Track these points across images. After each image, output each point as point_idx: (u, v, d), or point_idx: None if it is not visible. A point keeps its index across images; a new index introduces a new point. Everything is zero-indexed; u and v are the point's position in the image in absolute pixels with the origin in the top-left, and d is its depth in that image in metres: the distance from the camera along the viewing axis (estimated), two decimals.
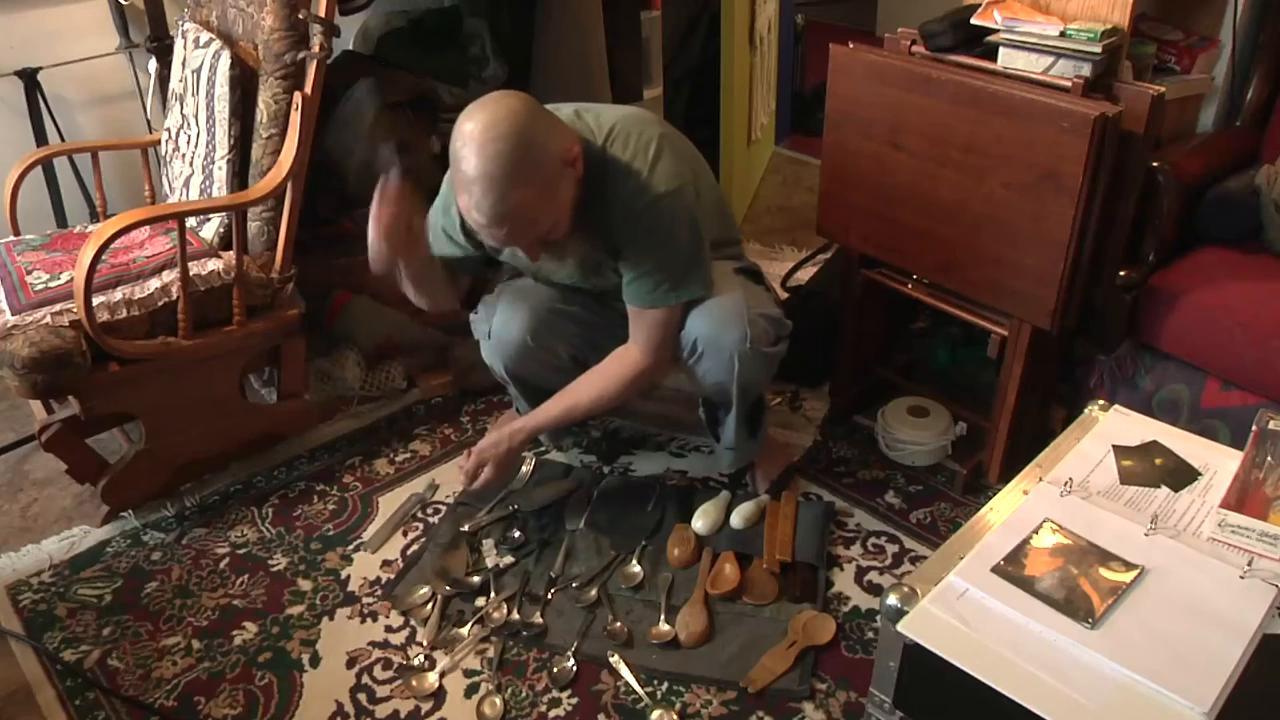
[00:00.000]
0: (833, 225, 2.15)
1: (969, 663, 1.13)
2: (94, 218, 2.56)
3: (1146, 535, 1.30)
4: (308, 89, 2.01)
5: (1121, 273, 1.89)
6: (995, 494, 1.42)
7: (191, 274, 1.97)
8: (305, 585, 1.92)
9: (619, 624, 1.78)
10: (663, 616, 1.78)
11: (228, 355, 2.10)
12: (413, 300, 1.88)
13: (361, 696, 1.68)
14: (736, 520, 1.98)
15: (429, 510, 2.10)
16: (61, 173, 2.59)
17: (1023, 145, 1.71)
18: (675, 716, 1.62)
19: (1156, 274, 1.93)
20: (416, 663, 1.73)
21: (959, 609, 1.20)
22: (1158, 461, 1.45)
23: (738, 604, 1.82)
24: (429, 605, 1.84)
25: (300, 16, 2.00)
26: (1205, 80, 2.17)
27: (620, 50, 2.98)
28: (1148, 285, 1.91)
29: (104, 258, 1.90)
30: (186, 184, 2.24)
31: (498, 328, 1.91)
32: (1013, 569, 1.24)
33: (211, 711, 1.66)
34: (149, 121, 2.69)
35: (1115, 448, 1.48)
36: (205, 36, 2.16)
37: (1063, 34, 1.71)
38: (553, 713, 1.64)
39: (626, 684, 1.68)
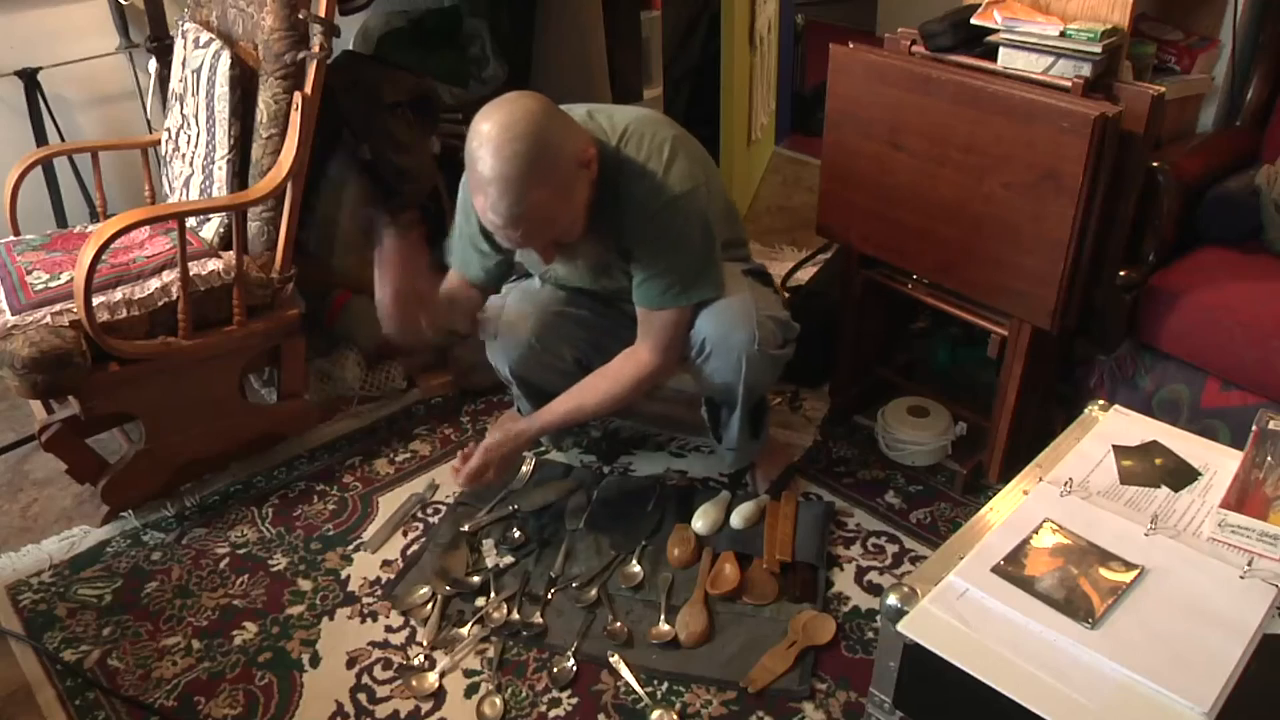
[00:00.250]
0: (833, 225, 2.15)
1: (969, 663, 1.13)
2: (94, 218, 2.56)
3: (1146, 535, 1.30)
4: (308, 89, 2.01)
5: (1121, 273, 1.89)
6: (995, 494, 1.42)
7: (191, 274, 1.97)
8: (305, 585, 1.92)
9: (619, 624, 1.78)
10: (663, 616, 1.78)
11: (228, 355, 2.10)
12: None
13: (361, 696, 1.68)
14: (736, 520, 1.98)
15: (429, 510, 2.10)
16: (61, 173, 2.58)
17: (1023, 145, 1.71)
18: (675, 716, 1.62)
19: (1156, 274, 1.93)
20: (416, 663, 1.73)
21: (959, 609, 1.20)
22: (1158, 461, 1.45)
23: (738, 604, 1.82)
24: (429, 605, 1.84)
25: (300, 16, 2.01)
26: (1205, 80, 2.17)
27: (620, 50, 2.98)
28: (1148, 285, 1.91)
29: (104, 258, 1.90)
30: (186, 184, 2.24)
31: (504, 329, 1.92)
32: (1013, 569, 1.24)
33: (211, 711, 1.66)
34: (149, 121, 2.69)
35: (1115, 448, 1.48)
36: (205, 36, 2.16)
37: (1063, 34, 1.71)
38: (553, 713, 1.64)
39: (626, 684, 1.68)
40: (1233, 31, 2.12)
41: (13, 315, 1.91)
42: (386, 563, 1.97)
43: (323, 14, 1.99)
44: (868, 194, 2.02)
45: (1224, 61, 2.16)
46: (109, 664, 1.76)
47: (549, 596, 1.84)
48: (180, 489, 2.17)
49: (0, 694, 1.71)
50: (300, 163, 2.03)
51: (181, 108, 2.25)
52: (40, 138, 2.54)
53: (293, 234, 2.11)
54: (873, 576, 1.90)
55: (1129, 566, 1.24)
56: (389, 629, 1.81)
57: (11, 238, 2.23)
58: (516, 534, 1.98)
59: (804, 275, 2.85)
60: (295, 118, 2.02)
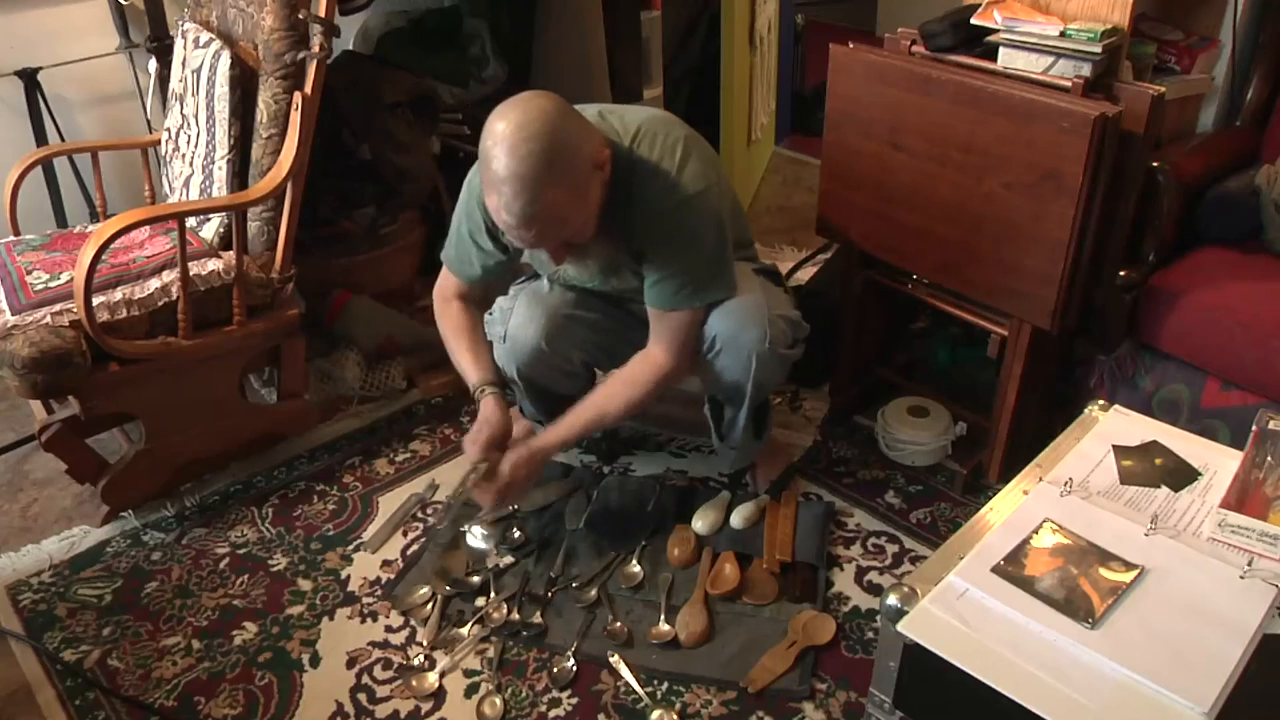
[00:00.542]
0: (833, 225, 2.15)
1: (969, 663, 1.13)
2: (94, 218, 2.56)
3: (1146, 535, 1.30)
4: (308, 89, 2.01)
5: (1121, 273, 1.89)
6: (995, 494, 1.42)
7: (191, 274, 1.97)
8: (305, 585, 1.92)
9: (619, 624, 1.78)
10: (663, 616, 1.78)
11: (228, 355, 2.10)
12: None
13: (361, 696, 1.68)
14: (736, 520, 1.98)
15: (429, 510, 2.10)
16: (61, 173, 2.59)
17: (1023, 145, 1.71)
18: (675, 716, 1.62)
19: (1156, 274, 1.93)
20: (416, 663, 1.73)
21: (959, 609, 1.20)
22: (1158, 461, 1.45)
23: (738, 604, 1.82)
24: (429, 605, 1.84)
25: (300, 16, 2.00)
26: (1205, 80, 2.17)
27: (620, 50, 2.98)
28: (1148, 285, 1.91)
29: (104, 258, 1.90)
30: (186, 184, 2.24)
31: (514, 331, 1.91)
32: (1013, 569, 1.24)
33: (211, 711, 1.66)
34: (149, 121, 2.69)
35: (1115, 448, 1.48)
36: (205, 36, 2.16)
37: (1063, 34, 1.71)
38: (553, 713, 1.64)
39: (626, 684, 1.68)
40: (1233, 31, 2.12)
41: (13, 315, 1.91)
42: (386, 563, 1.97)
43: (323, 14, 1.99)
44: (868, 194, 2.02)
45: (1224, 61, 2.16)
46: (109, 664, 1.76)
47: (549, 596, 1.84)
48: (180, 489, 2.17)
49: (0, 694, 1.71)
50: (300, 163, 2.03)
51: (181, 108, 2.25)
52: (40, 138, 2.54)
53: (293, 234, 2.11)
54: (873, 576, 1.90)
55: (1129, 566, 1.24)
56: (389, 629, 1.81)
57: (11, 238, 2.23)
58: (516, 534, 1.98)
59: (804, 275, 2.85)
60: (295, 118, 2.02)
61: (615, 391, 1.80)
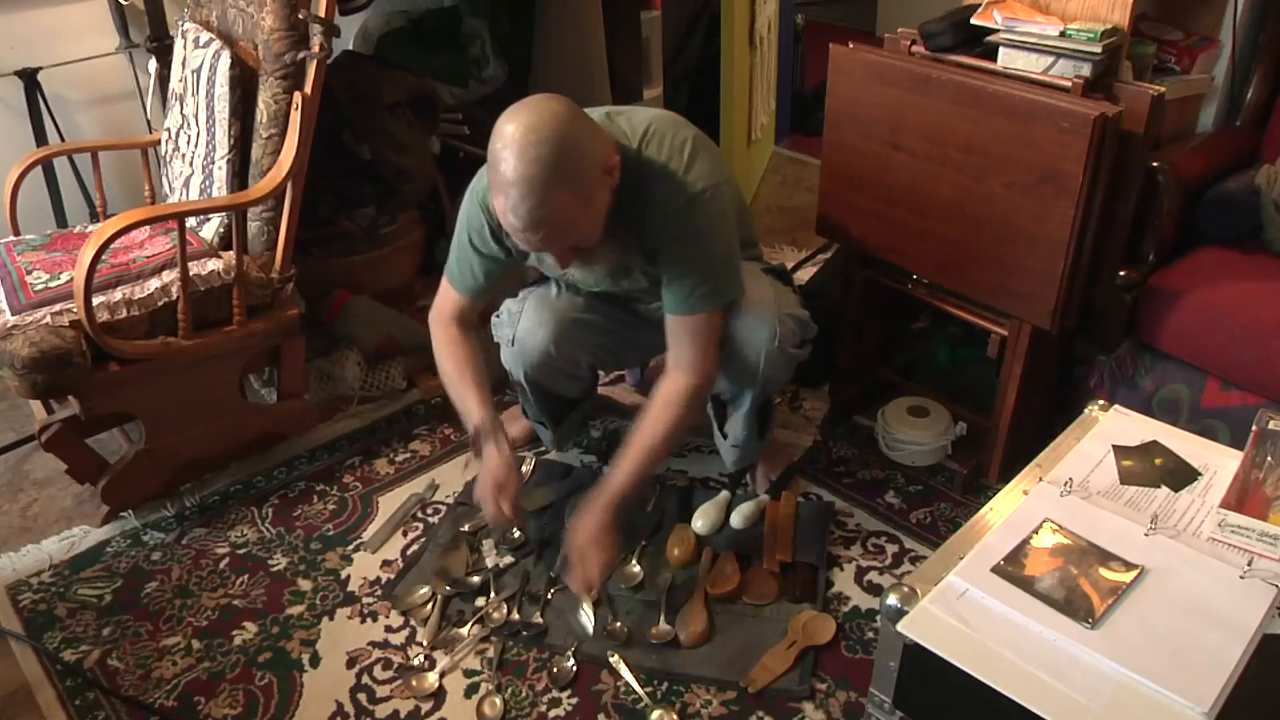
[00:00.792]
0: (833, 225, 2.15)
1: (969, 663, 1.13)
2: (94, 218, 2.56)
3: (1146, 535, 1.30)
4: (308, 89, 2.01)
5: (1121, 273, 1.89)
6: (995, 494, 1.42)
7: (191, 274, 1.97)
8: (305, 585, 1.92)
9: (619, 624, 1.78)
10: (663, 616, 1.78)
11: (228, 355, 2.10)
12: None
13: (361, 696, 1.68)
14: (736, 520, 1.98)
15: (429, 510, 2.10)
16: (61, 173, 2.59)
17: (1023, 145, 1.71)
18: (675, 716, 1.62)
19: (1156, 274, 1.93)
20: (416, 663, 1.73)
21: (959, 609, 1.20)
22: (1158, 461, 1.45)
23: (738, 604, 1.82)
24: (429, 605, 1.84)
25: (300, 16, 2.00)
26: (1205, 80, 2.17)
27: (620, 50, 2.98)
28: (1148, 285, 1.91)
29: (104, 258, 1.90)
30: (186, 184, 2.24)
31: (522, 335, 1.90)
32: (1013, 569, 1.24)
33: (211, 711, 1.66)
34: (149, 121, 2.69)
35: (1115, 448, 1.48)
36: (205, 36, 2.16)
37: (1063, 34, 1.71)
38: (553, 713, 1.64)
39: (626, 684, 1.68)
40: (1233, 31, 2.12)
41: (13, 315, 1.91)
42: (386, 563, 1.97)
43: (323, 14, 1.99)
44: (868, 194, 2.02)
45: (1224, 61, 2.16)
46: (109, 664, 1.76)
47: (549, 596, 1.84)
48: (180, 489, 2.17)
49: (0, 694, 1.71)
50: (300, 163, 2.03)
51: (181, 108, 2.25)
52: (40, 138, 2.54)
53: (293, 234, 2.11)
54: (873, 576, 1.90)
55: (1129, 566, 1.24)
56: (389, 629, 1.81)
57: (11, 238, 2.23)
58: (516, 534, 1.98)
59: (804, 275, 2.85)
60: (295, 118, 2.02)
61: (657, 418, 1.72)
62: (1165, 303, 1.89)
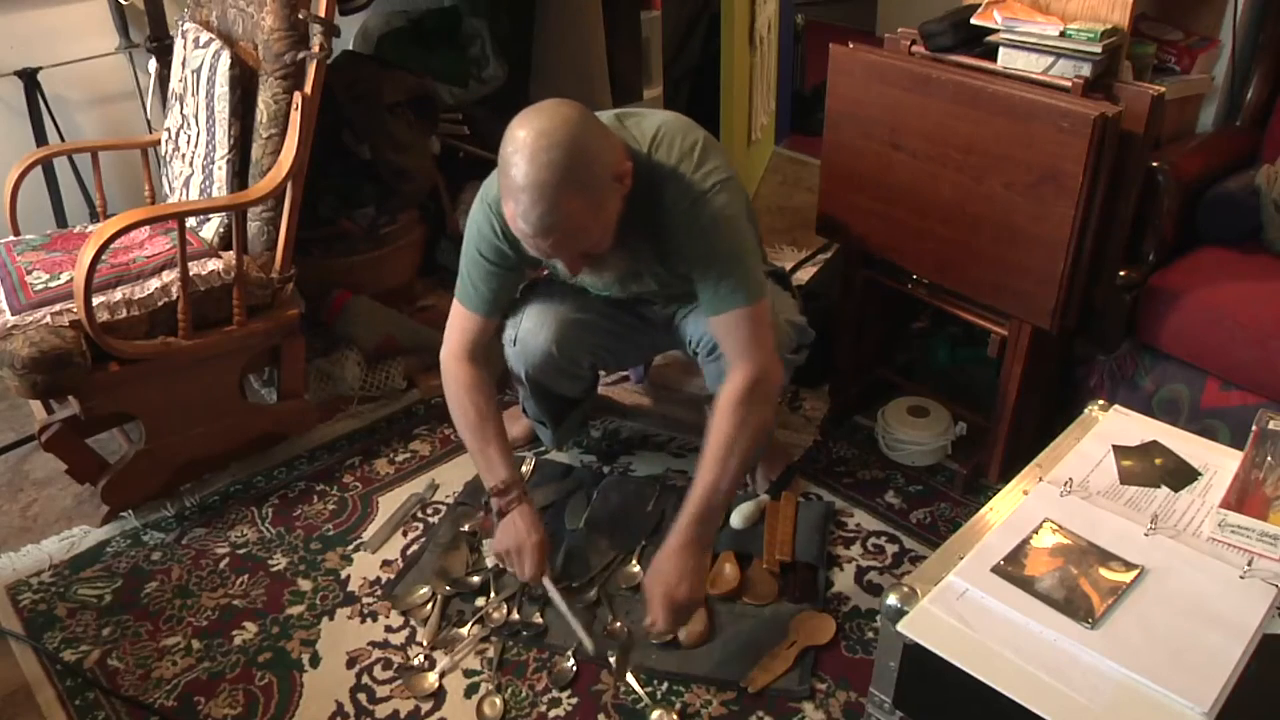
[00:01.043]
0: (833, 225, 2.15)
1: (969, 663, 1.13)
2: (94, 218, 2.56)
3: (1146, 535, 1.30)
4: (308, 89, 2.01)
5: (1121, 273, 1.89)
6: (995, 494, 1.42)
7: (191, 274, 1.97)
8: (305, 585, 1.92)
9: (619, 624, 1.78)
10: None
11: (228, 355, 2.10)
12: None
13: (361, 696, 1.68)
14: (736, 520, 1.98)
15: (429, 510, 2.10)
16: (61, 173, 2.58)
17: (1023, 145, 1.71)
18: (675, 716, 1.62)
19: (1156, 274, 1.93)
20: (416, 663, 1.73)
21: (959, 609, 1.20)
22: (1158, 461, 1.45)
23: (738, 604, 1.82)
24: (429, 605, 1.84)
25: (300, 16, 2.00)
26: (1205, 80, 2.17)
27: (620, 50, 2.98)
28: (1147, 285, 1.92)
29: (104, 258, 1.90)
30: (186, 184, 2.24)
31: (524, 335, 1.90)
32: (1013, 569, 1.24)
33: (211, 711, 1.66)
34: (149, 121, 2.69)
35: (1115, 448, 1.48)
36: (205, 36, 2.16)
37: (1063, 34, 1.71)
38: (553, 713, 1.64)
39: (626, 684, 1.68)
40: (1233, 31, 2.12)
41: (13, 315, 1.91)
42: (386, 563, 1.97)
43: (323, 14, 1.99)
44: (868, 194, 2.02)
45: (1224, 61, 2.16)
46: (109, 664, 1.76)
47: (549, 597, 1.84)
48: (180, 489, 2.17)
49: (0, 694, 1.71)
50: (300, 163, 2.03)
51: (181, 108, 2.25)
52: (40, 138, 2.54)
53: (293, 234, 2.11)
54: (873, 576, 1.90)
55: (1129, 566, 1.24)
56: (389, 629, 1.81)
57: (11, 238, 2.23)
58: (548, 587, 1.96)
59: (804, 275, 2.85)
60: (295, 118, 2.02)
61: (718, 430, 1.64)
62: (1165, 303, 1.89)
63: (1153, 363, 1.98)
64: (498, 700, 1.65)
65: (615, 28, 2.95)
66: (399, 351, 2.52)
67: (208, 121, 2.15)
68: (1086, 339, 2.04)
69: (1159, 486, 1.40)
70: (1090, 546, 1.27)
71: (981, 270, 1.88)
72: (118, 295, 1.94)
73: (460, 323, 1.79)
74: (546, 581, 1.78)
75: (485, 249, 1.72)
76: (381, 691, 1.69)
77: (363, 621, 1.83)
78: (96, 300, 1.89)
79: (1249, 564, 1.24)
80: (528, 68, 3.07)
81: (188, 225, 1.97)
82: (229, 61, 2.06)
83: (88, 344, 1.89)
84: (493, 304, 1.78)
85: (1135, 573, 1.23)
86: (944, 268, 1.96)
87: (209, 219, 2.17)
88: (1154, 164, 1.87)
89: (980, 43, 1.84)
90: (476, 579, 1.89)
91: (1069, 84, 1.69)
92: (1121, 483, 1.41)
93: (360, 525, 2.07)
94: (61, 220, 2.62)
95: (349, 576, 1.94)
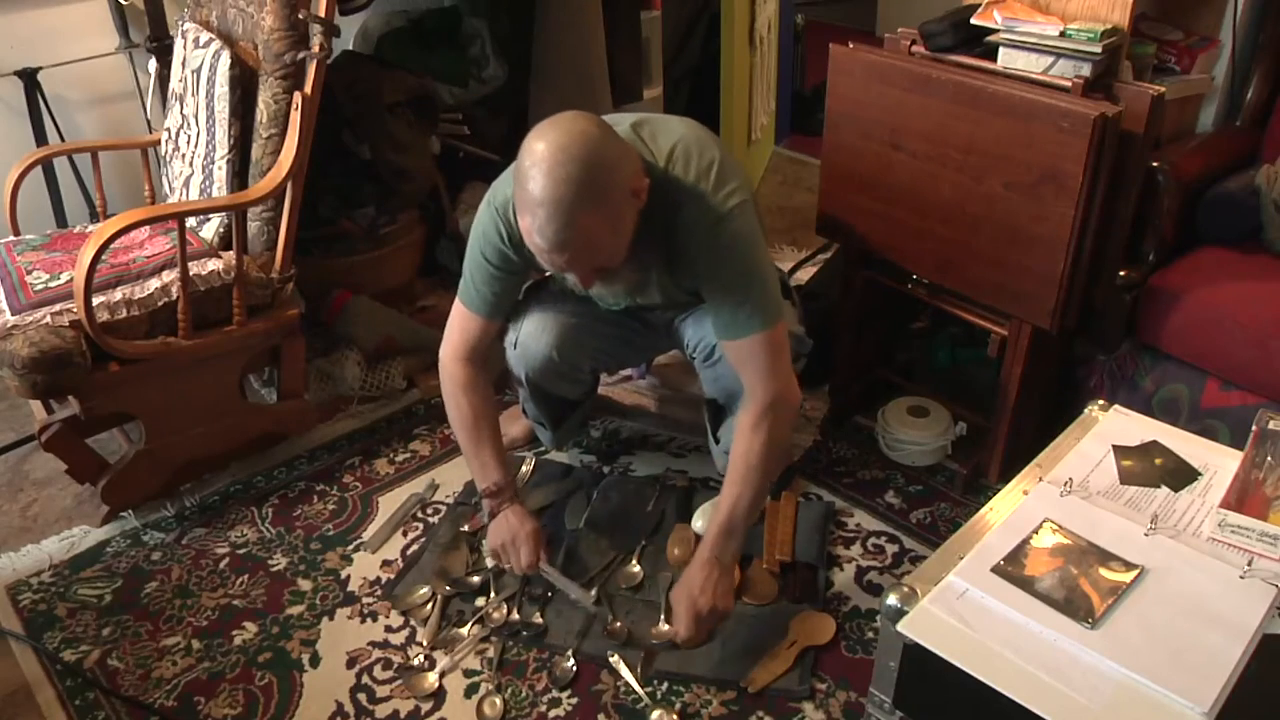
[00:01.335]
0: (833, 225, 2.15)
1: (969, 663, 1.13)
2: (94, 218, 2.56)
3: (1146, 535, 1.30)
4: (308, 89, 2.01)
5: (1121, 273, 1.89)
6: (995, 494, 1.42)
7: (191, 274, 1.97)
8: (305, 585, 1.92)
9: (619, 624, 1.78)
10: (663, 616, 1.78)
11: (228, 355, 2.10)
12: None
13: (361, 696, 1.68)
14: None
15: (429, 510, 2.10)
16: (61, 173, 2.59)
17: (1023, 145, 1.71)
18: (675, 716, 1.62)
19: (1156, 274, 1.93)
20: (416, 663, 1.73)
21: (959, 609, 1.20)
22: (1158, 461, 1.45)
23: (738, 604, 1.82)
24: (429, 605, 1.84)
25: (300, 16, 2.00)
26: (1205, 80, 2.17)
27: (620, 50, 2.98)
28: (1147, 285, 1.92)
29: (104, 258, 1.90)
30: (186, 184, 2.24)
31: (525, 339, 1.90)
32: (1013, 569, 1.24)
33: (211, 711, 1.66)
34: (149, 121, 2.69)
35: (1115, 448, 1.48)
36: (205, 36, 2.16)
37: (1063, 34, 1.71)
38: (553, 713, 1.64)
39: (626, 684, 1.68)
40: (1233, 31, 2.12)
41: (13, 315, 1.91)
42: (386, 563, 1.97)
43: (323, 14, 1.99)
44: (868, 194, 2.02)
45: (1224, 61, 2.16)
46: (109, 664, 1.76)
47: (549, 596, 1.84)
48: (180, 489, 2.17)
49: (0, 694, 1.71)
50: (300, 163, 2.03)
51: (181, 108, 2.25)
52: (40, 138, 2.54)
53: (293, 234, 2.11)
54: (873, 576, 1.90)
55: (1129, 566, 1.24)
56: (389, 629, 1.81)
57: (11, 238, 2.23)
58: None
59: (804, 275, 2.85)
60: (295, 118, 2.02)
61: (738, 454, 1.68)
62: (1165, 303, 1.89)
63: (1153, 363, 1.98)
64: (498, 700, 1.65)
65: (615, 28, 2.94)
66: (399, 351, 2.52)
67: (208, 121, 2.15)
68: (1086, 339, 2.04)
69: (1159, 486, 1.40)
70: (1090, 546, 1.27)
71: (981, 270, 1.88)
72: (118, 295, 1.94)
73: (461, 323, 1.79)
74: (543, 565, 1.79)
75: (490, 253, 1.71)
76: (381, 691, 1.69)
77: (363, 621, 1.83)
78: (96, 300, 1.89)
79: (1249, 564, 1.24)
80: (528, 68, 3.07)
81: (188, 225, 1.97)
82: (229, 61, 2.06)
83: (88, 344, 1.89)
84: (495, 307, 1.77)
85: (1135, 573, 1.23)
86: (944, 268, 1.96)
87: (209, 219, 2.17)
88: (1154, 164, 1.87)
89: (980, 43, 1.84)
90: (476, 579, 1.89)
91: (1069, 84, 1.69)
92: (1121, 483, 1.41)
93: (360, 525, 2.07)
94: (61, 220, 2.62)
95: (349, 576, 1.94)
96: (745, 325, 1.62)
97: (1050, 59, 1.75)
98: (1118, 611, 1.18)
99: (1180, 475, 1.42)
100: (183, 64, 2.25)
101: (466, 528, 2.01)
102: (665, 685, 1.68)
